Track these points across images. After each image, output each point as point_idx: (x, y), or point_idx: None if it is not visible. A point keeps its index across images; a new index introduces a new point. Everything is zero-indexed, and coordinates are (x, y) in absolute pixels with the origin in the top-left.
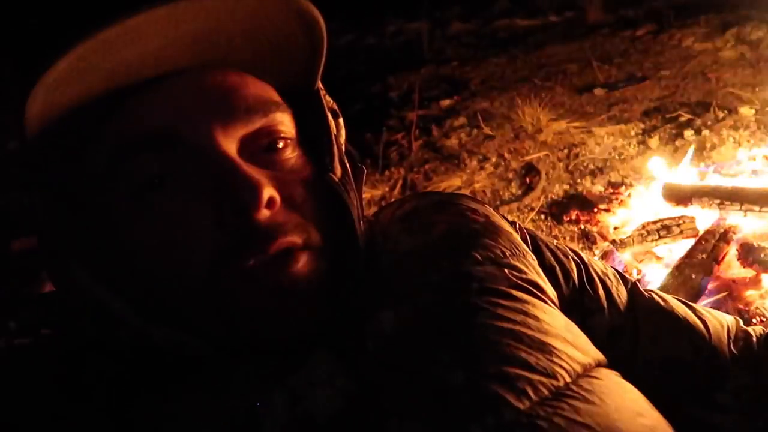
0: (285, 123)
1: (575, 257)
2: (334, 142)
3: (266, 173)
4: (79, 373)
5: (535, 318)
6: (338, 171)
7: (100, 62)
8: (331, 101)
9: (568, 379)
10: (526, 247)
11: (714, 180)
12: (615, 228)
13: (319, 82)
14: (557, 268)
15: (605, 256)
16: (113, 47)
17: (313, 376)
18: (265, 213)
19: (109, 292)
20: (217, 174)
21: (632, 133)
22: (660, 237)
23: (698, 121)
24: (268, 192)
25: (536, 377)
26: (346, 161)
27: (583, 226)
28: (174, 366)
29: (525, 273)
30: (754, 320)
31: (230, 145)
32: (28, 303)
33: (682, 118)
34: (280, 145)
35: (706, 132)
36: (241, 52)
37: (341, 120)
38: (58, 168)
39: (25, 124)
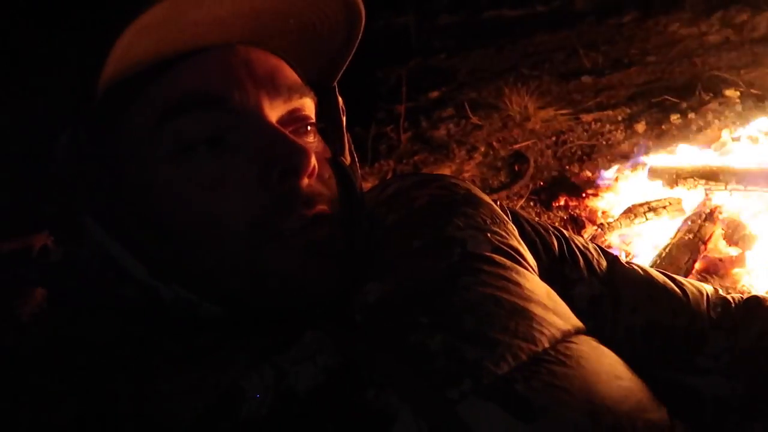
0: (312, 109)
1: (555, 232)
2: (345, 134)
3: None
4: (67, 343)
5: (516, 284)
6: (348, 159)
7: (185, 16)
8: (341, 100)
9: (547, 345)
10: (506, 218)
11: (699, 161)
12: (603, 212)
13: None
14: (538, 241)
15: (594, 239)
16: (203, 2)
17: (299, 354)
18: (306, 180)
19: (123, 249)
20: (267, 138)
21: (619, 118)
22: (647, 219)
23: (684, 105)
24: (314, 160)
25: (515, 342)
26: (354, 153)
27: (571, 212)
28: (167, 334)
29: (506, 238)
30: None
31: (273, 117)
32: (28, 262)
33: (668, 102)
34: (309, 127)
35: (691, 115)
36: (287, 38)
37: (345, 117)
38: (100, 119)
39: (106, 63)
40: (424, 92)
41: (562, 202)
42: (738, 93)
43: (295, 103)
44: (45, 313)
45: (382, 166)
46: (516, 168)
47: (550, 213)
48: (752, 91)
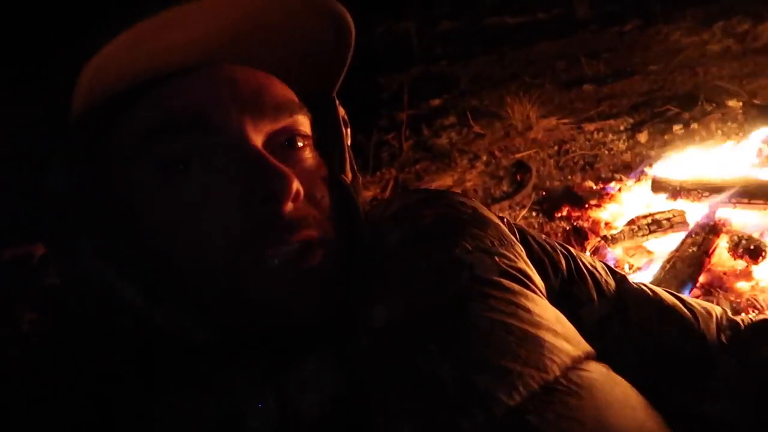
0: (305, 125)
1: (563, 250)
2: (347, 148)
3: (289, 169)
4: (68, 366)
5: (526, 309)
6: (349, 175)
7: (153, 42)
8: (343, 110)
9: (558, 373)
10: (513, 239)
11: (703, 173)
12: (606, 223)
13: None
14: (546, 261)
15: (596, 251)
16: (170, 28)
17: (303, 377)
18: (290, 204)
19: (117, 274)
20: (247, 162)
21: (621, 128)
22: (650, 231)
23: (686, 115)
24: (297, 184)
25: (526, 370)
26: (355, 167)
27: (574, 222)
28: (166, 358)
29: (514, 261)
30: (749, 311)
31: (258, 139)
32: (29, 291)
33: (671, 112)
34: (300, 144)
35: (694, 125)
36: (272, 51)
37: (349, 129)
38: (85, 145)
39: (73, 97)
40: (425, 99)
41: (564, 213)
42: (740, 103)
43: (284, 122)
44: (44, 324)
45: (383, 174)
46: (518, 177)
47: (553, 223)
48: (755, 101)
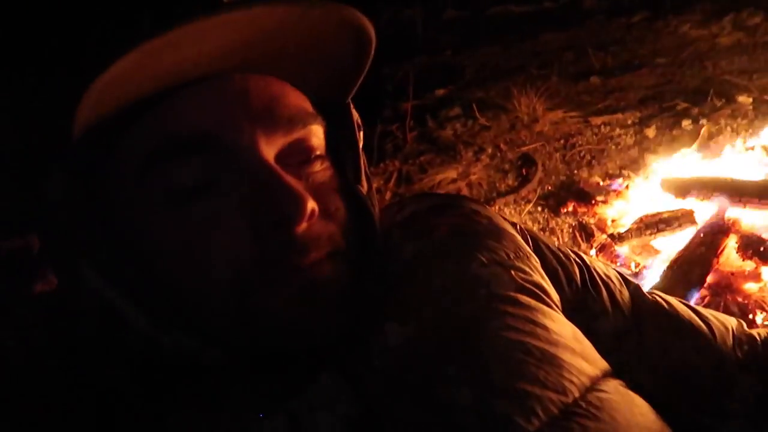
0: (319, 134)
1: (577, 259)
2: (361, 155)
3: (302, 184)
4: (68, 383)
5: (544, 328)
6: (365, 185)
7: (164, 59)
8: (357, 114)
9: (577, 394)
10: (529, 250)
11: (713, 172)
12: (613, 221)
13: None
14: (560, 271)
15: (603, 249)
16: (181, 44)
17: (315, 400)
18: (304, 225)
19: (120, 296)
20: (258, 183)
21: (629, 122)
22: (658, 230)
23: (695, 110)
24: (311, 205)
25: (545, 394)
26: (369, 174)
27: (580, 219)
28: (172, 378)
29: (530, 275)
30: (756, 312)
31: (270, 153)
32: (26, 301)
33: (679, 107)
34: (314, 155)
35: (703, 121)
36: (287, 60)
37: (362, 133)
38: (88, 164)
39: (77, 117)
40: (430, 90)
41: (570, 208)
42: (751, 99)
43: (297, 134)
44: (45, 316)
45: (387, 166)
46: (524, 171)
47: (558, 219)
48: (765, 97)
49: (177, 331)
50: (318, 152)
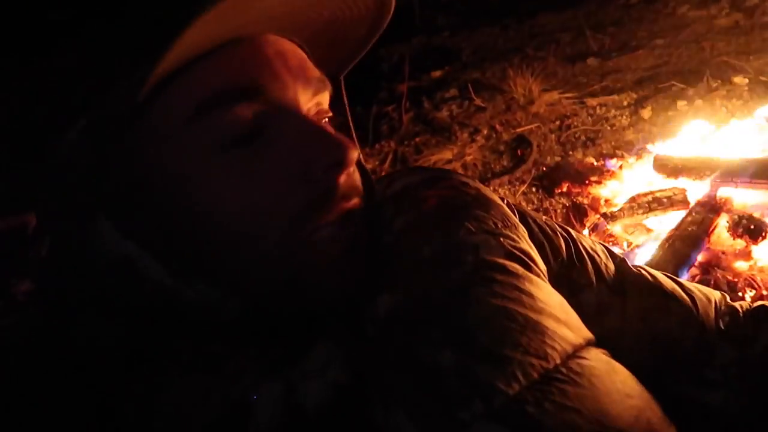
0: (327, 101)
1: (563, 233)
2: (352, 128)
3: None
4: (68, 350)
5: (529, 295)
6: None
7: (248, 9)
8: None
9: (558, 361)
10: (516, 220)
11: (705, 151)
12: (606, 200)
13: None
14: (546, 244)
15: (595, 228)
16: None
17: (308, 367)
18: (351, 170)
19: (139, 248)
20: (306, 132)
21: (625, 103)
22: (650, 209)
23: (691, 91)
24: (357, 151)
25: (527, 359)
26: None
27: (573, 199)
28: (177, 338)
29: (518, 242)
30: (746, 290)
31: (308, 108)
32: (23, 262)
33: (675, 88)
34: (328, 118)
35: (698, 102)
36: (312, 27)
37: (348, 109)
38: (125, 117)
39: (166, 54)
40: (426, 71)
41: (564, 189)
42: (746, 80)
43: (320, 97)
44: (40, 297)
45: (383, 147)
46: (519, 152)
47: (552, 199)
48: (761, 78)
49: (198, 283)
50: (330, 115)
